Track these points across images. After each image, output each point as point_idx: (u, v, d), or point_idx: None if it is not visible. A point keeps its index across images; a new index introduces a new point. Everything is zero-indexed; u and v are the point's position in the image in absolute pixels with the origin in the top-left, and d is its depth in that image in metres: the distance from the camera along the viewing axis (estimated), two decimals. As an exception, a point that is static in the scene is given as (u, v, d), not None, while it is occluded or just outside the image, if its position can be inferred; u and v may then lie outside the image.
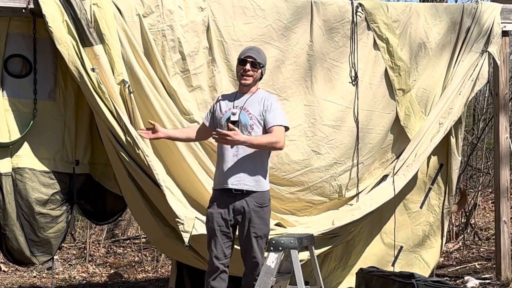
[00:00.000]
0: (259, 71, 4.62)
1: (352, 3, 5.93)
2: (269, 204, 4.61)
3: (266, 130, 4.55)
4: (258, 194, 4.52)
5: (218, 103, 4.70)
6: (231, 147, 4.50)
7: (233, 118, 4.53)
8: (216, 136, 4.39)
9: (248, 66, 4.56)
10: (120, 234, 10.84)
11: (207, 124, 4.77)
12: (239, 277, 5.51)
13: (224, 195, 4.52)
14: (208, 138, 4.95)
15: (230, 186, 4.51)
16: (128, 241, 10.26)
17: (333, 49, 5.90)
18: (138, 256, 9.40)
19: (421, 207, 6.28)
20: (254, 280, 4.44)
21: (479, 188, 10.44)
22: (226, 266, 4.53)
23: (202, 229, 5.09)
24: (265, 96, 4.63)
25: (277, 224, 5.74)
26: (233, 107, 4.59)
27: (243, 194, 4.49)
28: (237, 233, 4.61)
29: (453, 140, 6.25)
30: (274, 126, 4.51)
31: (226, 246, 4.51)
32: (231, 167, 4.52)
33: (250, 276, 4.54)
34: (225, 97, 4.74)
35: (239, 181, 4.50)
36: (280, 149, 4.61)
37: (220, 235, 4.50)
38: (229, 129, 4.38)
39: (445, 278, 6.64)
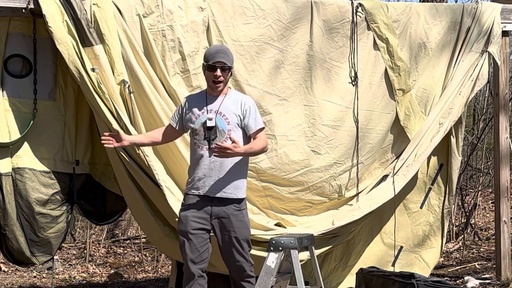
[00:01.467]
0: (230, 73, 4.46)
1: (352, 3, 5.93)
2: (246, 208, 4.49)
3: (247, 135, 4.44)
4: (236, 200, 4.39)
5: (186, 105, 4.53)
6: (210, 153, 4.35)
7: (209, 124, 4.37)
8: (216, 150, 4.22)
9: (218, 72, 4.37)
10: (120, 234, 10.85)
11: (174, 125, 4.58)
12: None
13: (200, 200, 4.37)
14: (176, 139, 4.93)
15: (208, 194, 4.37)
16: (128, 241, 10.26)
17: (333, 49, 5.90)
18: (138, 256, 9.40)
19: (421, 207, 6.28)
20: (242, 286, 4.36)
21: (479, 188, 10.44)
22: (204, 271, 4.36)
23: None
24: (241, 99, 4.49)
25: (277, 224, 5.74)
26: (207, 111, 4.41)
27: (221, 199, 4.35)
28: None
29: (453, 140, 6.25)
30: (258, 131, 4.43)
31: (203, 250, 4.35)
32: (208, 174, 4.37)
33: (237, 280, 4.41)
34: (194, 98, 4.56)
35: (216, 189, 4.36)
36: (265, 151, 4.61)
37: (194, 238, 4.33)
38: (223, 144, 4.23)
39: (445, 278, 6.65)
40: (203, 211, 4.36)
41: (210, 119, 4.37)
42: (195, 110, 4.45)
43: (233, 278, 4.45)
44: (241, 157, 4.39)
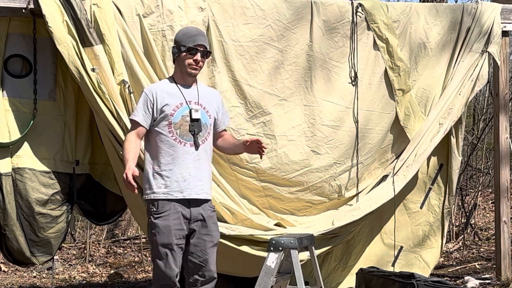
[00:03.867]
0: (205, 60, 4.19)
1: (352, 3, 5.93)
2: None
3: (215, 130, 4.27)
4: (210, 200, 4.20)
5: (156, 98, 4.10)
6: (196, 149, 4.06)
7: (195, 116, 4.05)
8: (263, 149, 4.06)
9: (198, 56, 4.07)
10: (120, 234, 10.86)
11: (147, 126, 4.12)
12: (239, 278, 5.54)
13: (177, 205, 4.07)
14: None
15: (194, 196, 4.07)
16: (128, 241, 10.27)
17: (333, 49, 5.90)
18: (138, 256, 9.40)
19: (421, 207, 6.28)
20: None
21: (479, 188, 10.45)
22: (178, 281, 4.13)
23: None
24: (212, 90, 4.34)
25: (277, 224, 5.74)
26: (186, 102, 4.09)
27: (199, 200, 4.12)
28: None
29: (453, 140, 6.25)
30: (226, 128, 4.32)
31: (180, 260, 4.10)
32: (194, 173, 4.08)
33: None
34: (162, 89, 4.14)
35: (202, 190, 4.10)
36: None
37: (177, 249, 4.05)
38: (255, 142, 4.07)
39: (445, 278, 6.65)
40: (181, 216, 4.07)
41: (196, 110, 4.07)
42: (171, 102, 4.09)
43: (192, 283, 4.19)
44: (211, 155, 4.25)
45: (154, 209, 4.10)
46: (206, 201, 4.19)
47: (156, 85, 4.34)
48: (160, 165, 4.12)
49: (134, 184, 4.01)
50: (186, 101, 4.11)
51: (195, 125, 4.07)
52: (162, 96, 4.12)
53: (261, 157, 4.18)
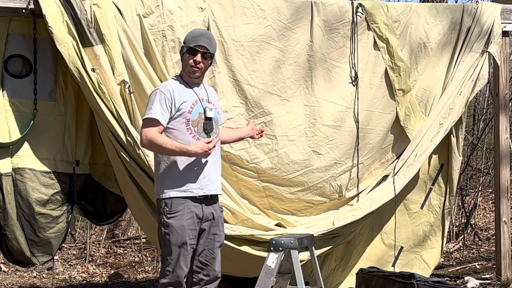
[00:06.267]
0: (209, 62, 4.15)
1: (352, 3, 5.93)
2: None
3: None
4: (218, 198, 4.22)
5: (173, 96, 4.06)
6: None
7: (209, 114, 4.08)
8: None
9: (198, 57, 4.06)
10: (120, 234, 10.85)
11: (165, 124, 4.07)
12: (239, 278, 5.54)
13: (189, 202, 4.04)
14: None
15: (214, 192, 4.09)
16: (128, 241, 10.27)
17: (333, 49, 5.90)
18: (138, 256, 9.40)
19: (421, 208, 6.28)
20: None
21: (479, 188, 10.44)
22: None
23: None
24: (212, 89, 4.42)
25: (277, 224, 5.74)
26: (200, 100, 4.10)
27: (211, 198, 4.12)
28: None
29: (454, 140, 6.25)
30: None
31: (190, 260, 4.10)
32: (211, 169, 4.09)
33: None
34: (175, 88, 4.12)
35: (219, 186, 4.15)
36: None
37: (189, 250, 4.04)
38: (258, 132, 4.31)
39: (445, 278, 6.65)
40: (194, 215, 4.05)
41: (210, 109, 4.10)
42: (188, 99, 4.09)
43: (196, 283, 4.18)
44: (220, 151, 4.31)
45: (167, 209, 4.04)
46: (217, 199, 4.21)
47: (169, 83, 4.22)
48: (177, 162, 4.06)
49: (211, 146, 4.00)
50: (199, 99, 4.11)
51: (208, 124, 4.09)
52: (179, 93, 4.09)
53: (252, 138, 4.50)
